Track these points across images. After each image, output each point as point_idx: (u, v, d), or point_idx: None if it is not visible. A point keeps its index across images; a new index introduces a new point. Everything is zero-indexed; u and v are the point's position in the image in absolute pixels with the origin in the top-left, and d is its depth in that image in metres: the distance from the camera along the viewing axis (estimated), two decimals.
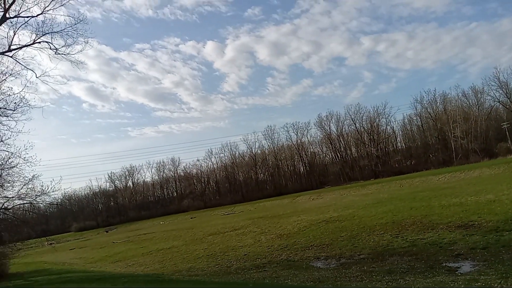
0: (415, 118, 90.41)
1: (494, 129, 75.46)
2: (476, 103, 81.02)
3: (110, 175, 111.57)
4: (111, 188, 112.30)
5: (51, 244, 47.91)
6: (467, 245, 14.03)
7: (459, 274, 10.98)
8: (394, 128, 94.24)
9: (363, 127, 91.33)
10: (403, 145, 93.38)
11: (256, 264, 17.29)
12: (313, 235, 22.11)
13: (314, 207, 40.97)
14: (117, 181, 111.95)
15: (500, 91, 78.05)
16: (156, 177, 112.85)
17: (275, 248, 20.35)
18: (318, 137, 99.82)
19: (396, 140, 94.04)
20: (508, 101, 77.37)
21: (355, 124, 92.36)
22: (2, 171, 20.10)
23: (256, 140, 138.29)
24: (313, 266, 15.26)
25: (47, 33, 19.73)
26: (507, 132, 69.38)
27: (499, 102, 79.13)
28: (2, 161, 20.01)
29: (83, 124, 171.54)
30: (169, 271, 19.04)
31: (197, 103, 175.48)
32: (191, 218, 66.98)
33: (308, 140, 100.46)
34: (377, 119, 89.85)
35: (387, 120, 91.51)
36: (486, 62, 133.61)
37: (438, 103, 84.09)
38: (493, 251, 12.77)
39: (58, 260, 32.31)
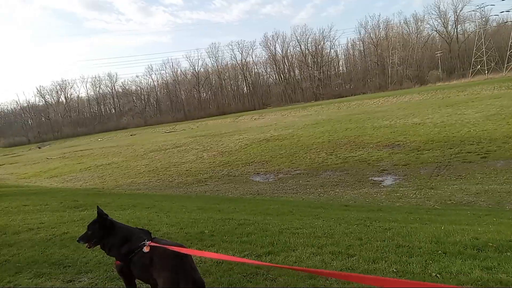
0: (358, 43, 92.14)
1: (428, 57, 79.53)
2: (416, 31, 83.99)
3: (39, 89, 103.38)
4: (41, 103, 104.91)
5: None
6: (391, 162, 15.51)
7: (382, 186, 12.26)
8: (338, 52, 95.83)
9: (308, 49, 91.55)
10: (345, 69, 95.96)
11: (198, 179, 17.80)
12: (254, 153, 22.93)
13: (255, 127, 41.90)
14: (47, 96, 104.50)
15: (439, 20, 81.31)
16: (92, 93, 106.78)
17: (216, 164, 20.93)
18: (263, 58, 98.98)
19: (338, 64, 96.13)
20: (445, 30, 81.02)
21: (300, 46, 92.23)
22: None
23: (199, 57, 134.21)
24: (252, 180, 16.08)
25: None
26: (439, 60, 73.66)
27: (436, 31, 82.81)
28: None
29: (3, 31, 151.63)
30: (109, 186, 18.98)
31: (137, 14, 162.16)
32: (131, 135, 65.59)
33: (252, 60, 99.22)
34: (322, 42, 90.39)
35: (332, 44, 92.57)
36: None
37: (381, 29, 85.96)
38: (413, 167, 14.29)
39: None
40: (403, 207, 9.14)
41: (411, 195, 10.63)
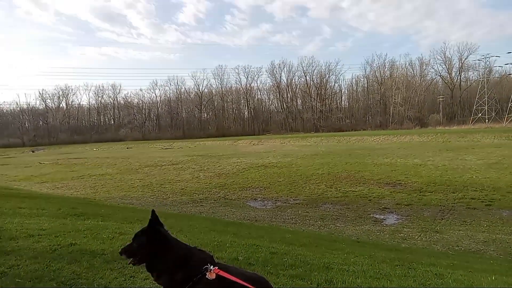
0: (362, 79, 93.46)
1: (430, 100, 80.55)
2: (420, 74, 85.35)
3: (41, 92, 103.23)
4: (41, 107, 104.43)
5: None
6: (393, 200, 15.09)
7: (385, 225, 11.80)
8: (342, 86, 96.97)
9: (313, 81, 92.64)
10: (347, 103, 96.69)
11: (193, 198, 17.28)
12: (252, 178, 22.48)
13: (254, 152, 41.60)
14: (48, 100, 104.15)
15: (443, 66, 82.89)
16: (93, 102, 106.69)
17: (213, 186, 20.43)
18: (268, 85, 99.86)
19: (341, 98, 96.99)
20: (448, 76, 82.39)
21: (305, 77, 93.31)
22: None
23: (205, 78, 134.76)
24: (250, 206, 15.57)
25: None
26: (440, 105, 74.51)
27: (440, 76, 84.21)
28: None
29: (17, 33, 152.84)
30: (101, 197, 18.39)
31: (148, 30, 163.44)
32: (128, 148, 65.09)
33: (257, 86, 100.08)
34: (327, 75, 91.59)
35: (336, 78, 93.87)
36: (438, 36, 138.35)
37: (386, 68, 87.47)
38: (415, 208, 13.86)
39: None
40: (421, 249, 8.69)
41: (416, 237, 10.18)
